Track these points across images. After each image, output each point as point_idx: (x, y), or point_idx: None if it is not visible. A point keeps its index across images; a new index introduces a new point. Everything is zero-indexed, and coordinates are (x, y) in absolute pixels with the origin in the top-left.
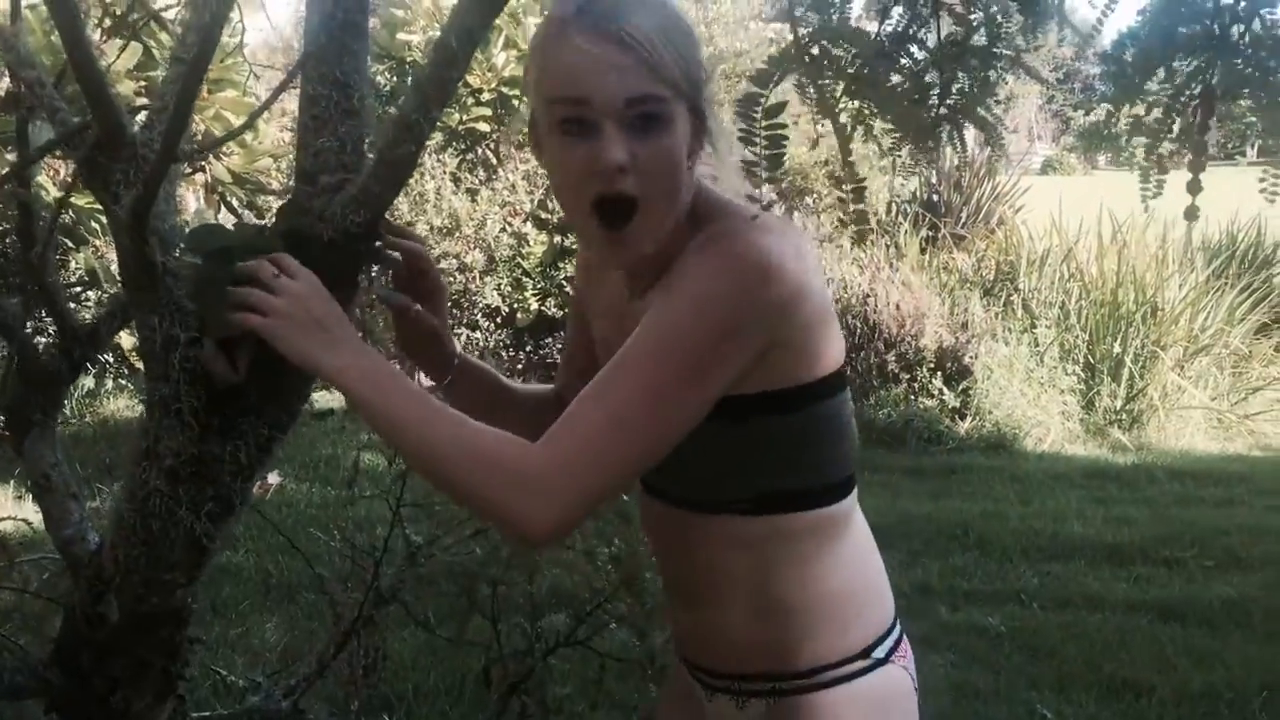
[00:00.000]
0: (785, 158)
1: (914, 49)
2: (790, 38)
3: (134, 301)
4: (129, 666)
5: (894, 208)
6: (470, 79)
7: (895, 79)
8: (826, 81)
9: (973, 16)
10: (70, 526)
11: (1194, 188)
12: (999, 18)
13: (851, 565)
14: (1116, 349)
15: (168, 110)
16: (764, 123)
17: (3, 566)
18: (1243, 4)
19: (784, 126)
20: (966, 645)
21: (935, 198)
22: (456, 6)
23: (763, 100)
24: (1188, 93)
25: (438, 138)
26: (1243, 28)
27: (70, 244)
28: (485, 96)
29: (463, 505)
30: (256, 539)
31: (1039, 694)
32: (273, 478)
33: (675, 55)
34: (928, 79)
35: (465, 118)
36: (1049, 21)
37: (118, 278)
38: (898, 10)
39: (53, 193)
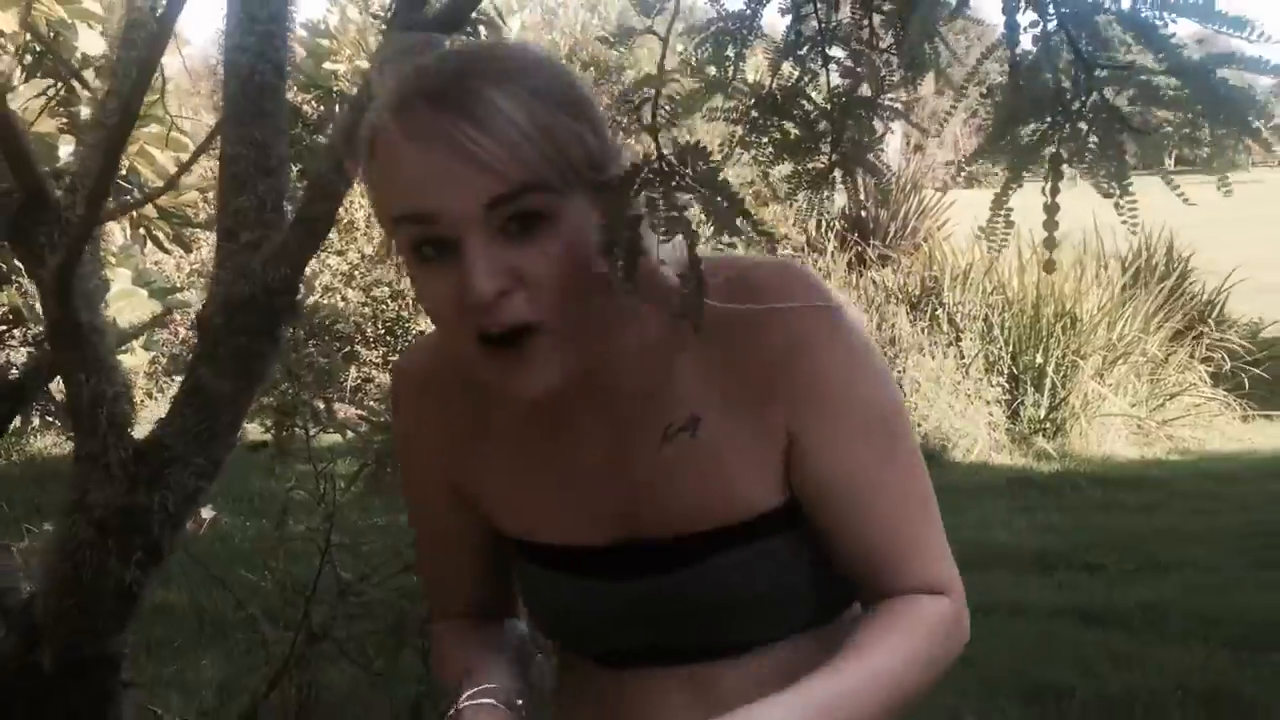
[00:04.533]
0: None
1: (804, 102)
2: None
3: (61, 360)
4: (62, 715)
5: (822, 224)
6: None
7: (789, 128)
8: (679, 196)
9: (859, 69)
10: (3, 578)
11: (1049, 244)
12: (882, 71)
13: None
14: (1039, 359)
15: (88, 175)
16: (625, 234)
17: None
18: (1083, 79)
19: (642, 241)
20: None
21: (864, 214)
22: (372, 63)
23: (623, 206)
24: (1041, 154)
25: None
26: (1084, 99)
27: None
28: None
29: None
30: (190, 574)
31: (964, 700)
32: (206, 512)
33: (552, 128)
34: (819, 128)
35: None
36: (925, 75)
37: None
38: (787, 65)
39: None
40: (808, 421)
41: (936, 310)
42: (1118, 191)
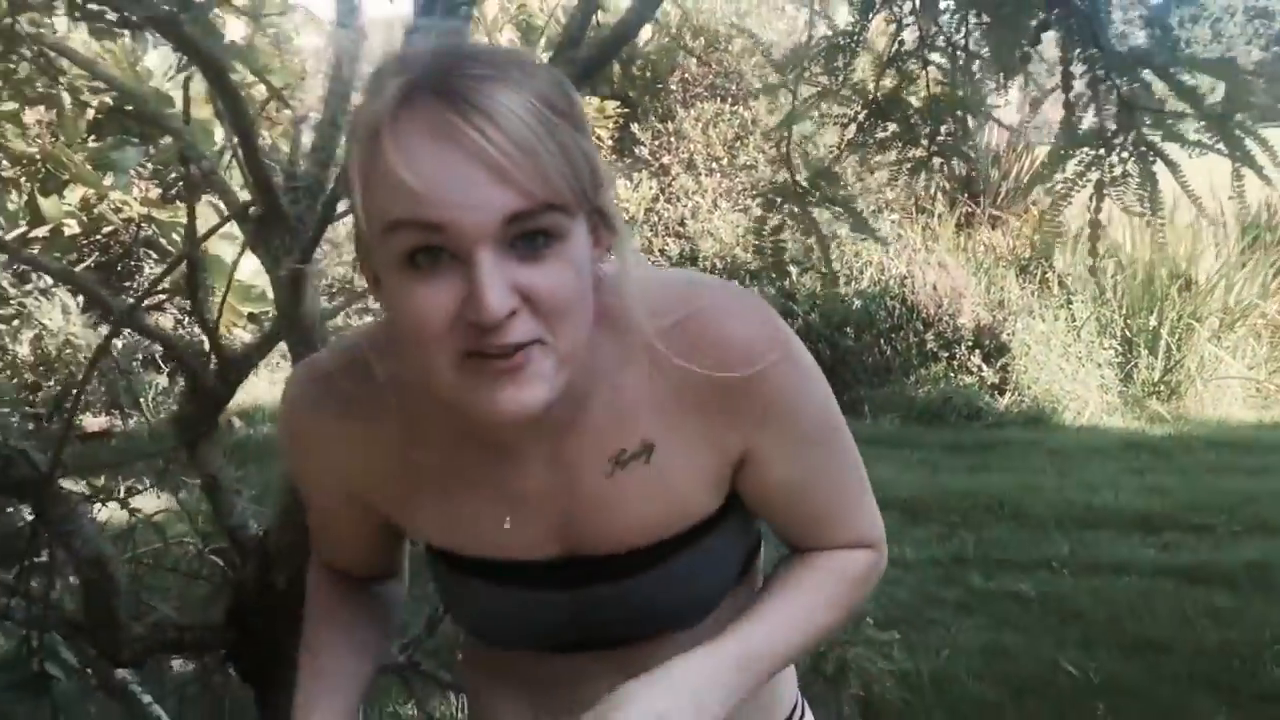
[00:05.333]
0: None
1: (905, 105)
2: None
3: (289, 341)
4: (288, 624)
5: (931, 184)
6: None
7: (892, 127)
8: (812, 202)
9: (957, 74)
10: (235, 517)
11: (1093, 254)
12: (977, 75)
13: None
14: (1153, 322)
15: (316, 193)
16: (770, 239)
17: (159, 548)
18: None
19: (784, 242)
20: (998, 610)
21: (974, 174)
22: None
23: (769, 221)
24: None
25: None
26: (1125, 135)
27: (155, 255)
28: None
29: None
30: None
31: (1064, 652)
32: None
33: (566, 140)
34: (918, 127)
35: None
36: (1015, 77)
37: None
38: (890, 71)
39: (137, 209)
40: (764, 439)
41: (1046, 273)
42: (1149, 212)
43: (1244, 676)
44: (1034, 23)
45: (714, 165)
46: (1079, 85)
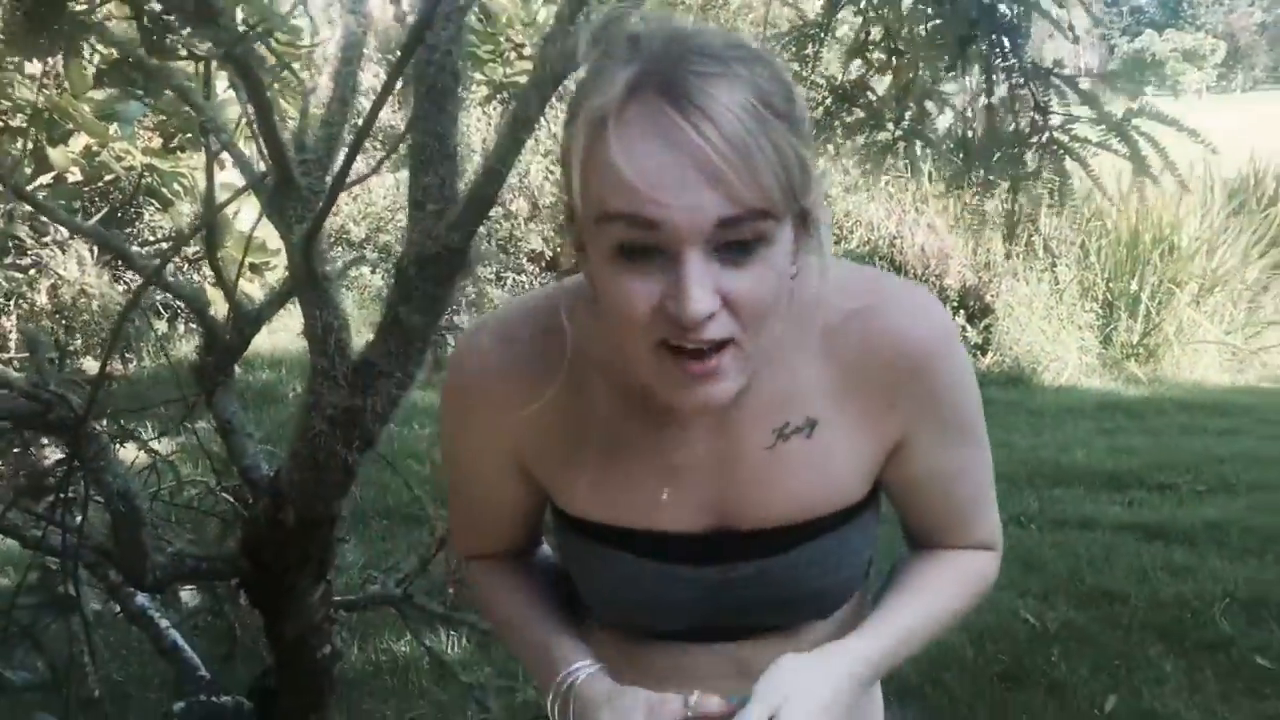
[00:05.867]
0: None
1: (870, 92)
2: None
3: (302, 299)
4: (297, 556)
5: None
6: (513, 35)
7: (858, 113)
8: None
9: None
10: (249, 458)
11: (1009, 238)
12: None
13: None
14: (1133, 286)
15: (326, 164)
16: None
17: (173, 486)
18: None
19: None
20: None
21: (969, 134)
22: (523, 88)
23: None
24: None
25: (483, 90)
26: (1039, 137)
27: (156, 204)
28: (527, 51)
29: None
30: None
31: (1024, 602)
32: None
33: (781, 143)
34: (883, 113)
35: (509, 72)
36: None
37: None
38: (855, 63)
39: (139, 158)
40: (922, 431)
41: (1032, 236)
42: (1059, 204)
43: (1193, 627)
44: (961, 35)
45: None
46: (1000, 91)
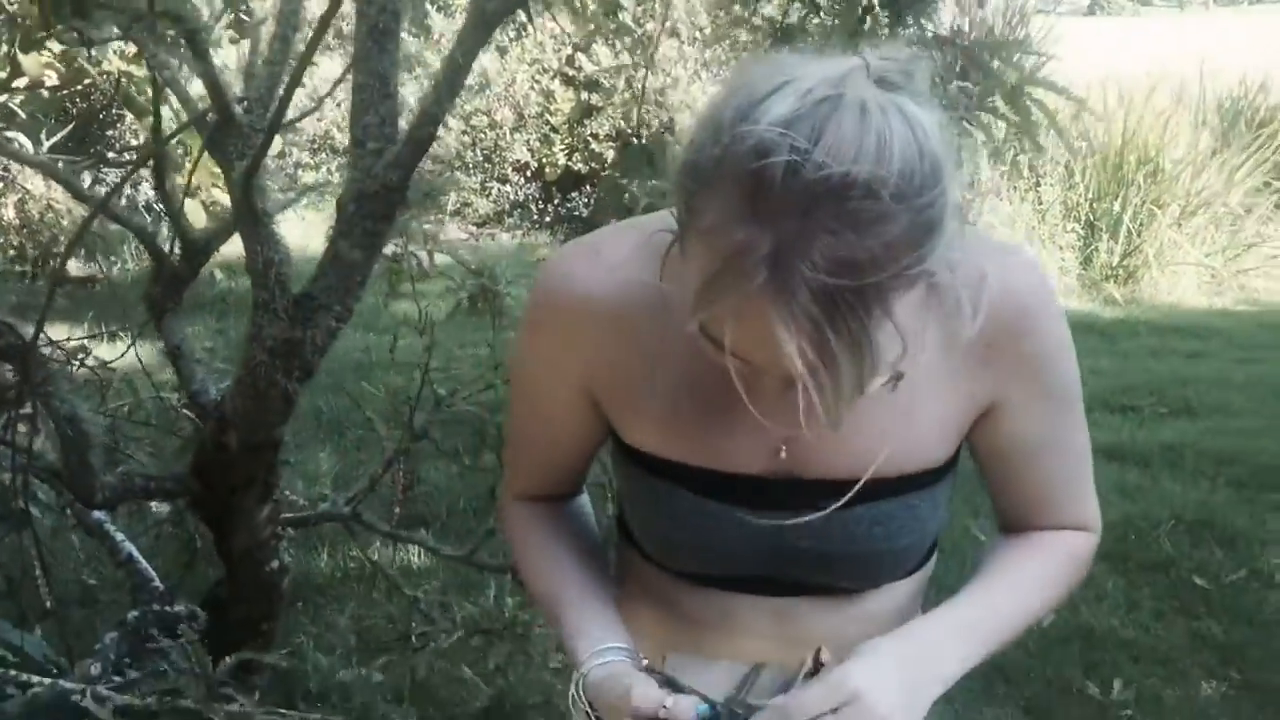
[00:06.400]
0: None
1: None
2: None
3: (243, 234)
4: (244, 477)
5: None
6: None
7: None
8: None
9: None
10: (196, 383)
11: None
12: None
13: None
14: (1116, 207)
15: (267, 102)
16: None
17: (134, 403)
18: None
19: None
20: None
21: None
22: (460, 33)
23: None
24: None
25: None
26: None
27: (132, 115)
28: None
29: None
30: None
31: (975, 520)
32: None
33: (860, 346)
34: None
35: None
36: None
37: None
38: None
39: (117, 64)
40: (1015, 393)
41: (1018, 156)
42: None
43: (1137, 547)
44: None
45: (696, 35)
46: None
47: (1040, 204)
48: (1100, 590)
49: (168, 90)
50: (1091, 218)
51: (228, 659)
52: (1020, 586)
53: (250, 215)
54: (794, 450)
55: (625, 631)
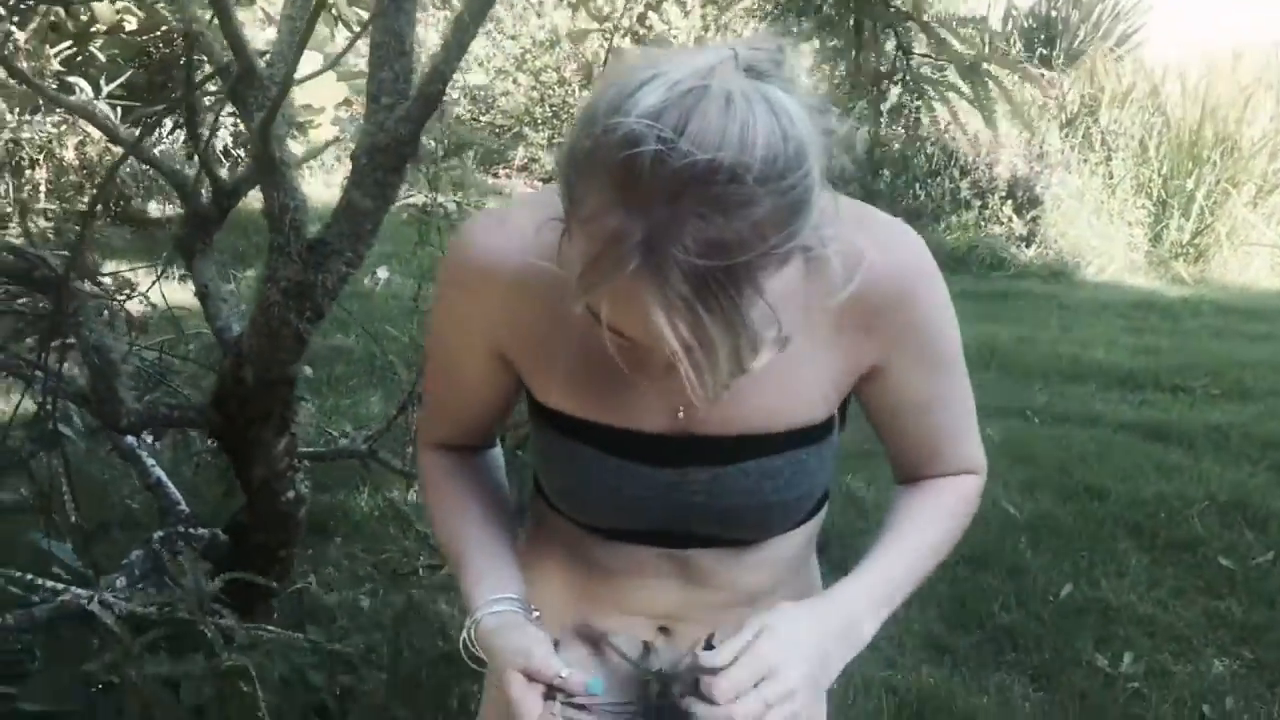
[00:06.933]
0: None
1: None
2: None
3: (261, 182)
4: (260, 411)
5: (1009, 21)
6: None
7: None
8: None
9: None
10: (221, 320)
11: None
12: None
13: None
14: (1189, 184)
15: (283, 55)
16: None
17: (174, 339)
18: None
19: None
20: None
21: (1054, 13)
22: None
23: None
24: None
25: None
26: (903, 74)
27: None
28: None
29: None
30: (366, 325)
31: (1007, 492)
32: (381, 272)
33: (732, 321)
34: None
35: None
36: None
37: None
38: None
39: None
40: (898, 358)
41: (1090, 128)
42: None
43: (1167, 526)
44: None
45: None
46: (867, 33)
47: (1111, 178)
48: (1122, 566)
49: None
50: (1164, 194)
51: (218, 579)
52: (924, 540)
53: (268, 163)
54: (690, 411)
55: (521, 583)
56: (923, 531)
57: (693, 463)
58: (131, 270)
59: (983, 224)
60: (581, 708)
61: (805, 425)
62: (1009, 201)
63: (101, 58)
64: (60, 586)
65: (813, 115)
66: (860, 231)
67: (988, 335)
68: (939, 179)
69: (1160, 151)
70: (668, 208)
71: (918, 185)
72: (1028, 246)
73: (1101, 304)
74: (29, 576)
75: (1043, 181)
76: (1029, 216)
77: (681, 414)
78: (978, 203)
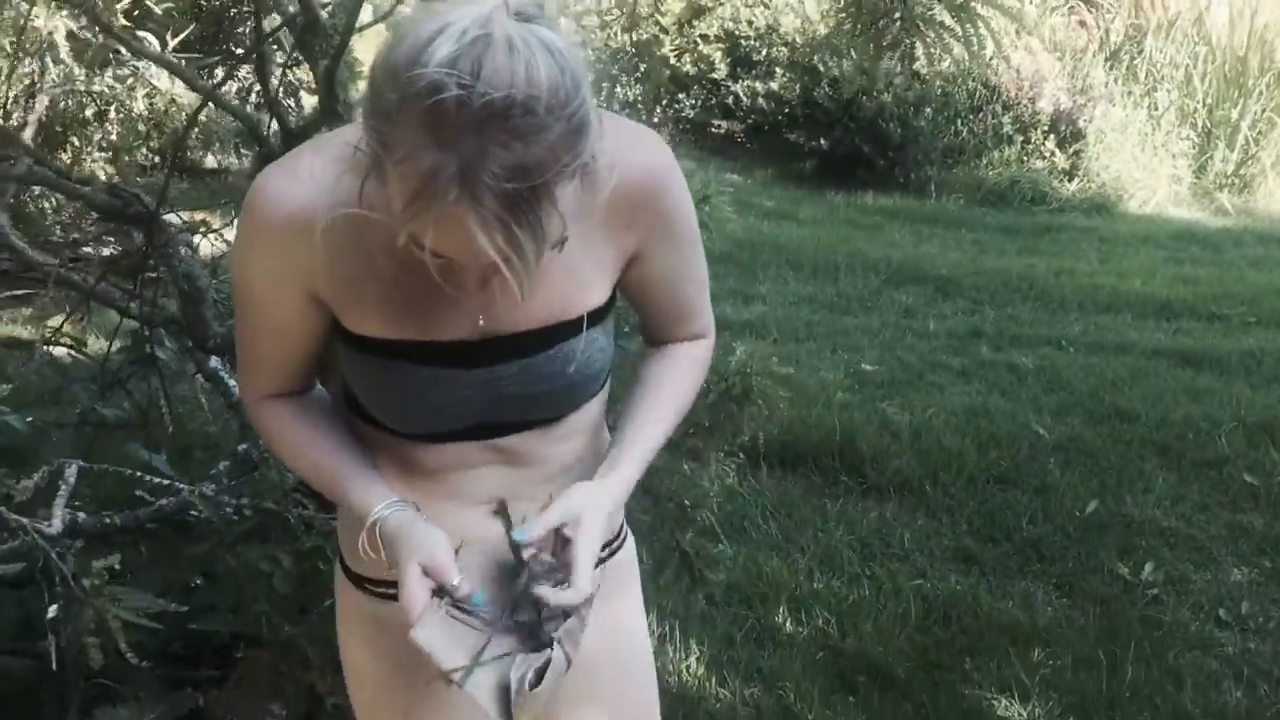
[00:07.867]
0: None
1: None
2: None
3: (326, 123)
4: None
5: None
6: None
7: None
8: None
9: None
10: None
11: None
12: None
13: None
14: (1235, 115)
15: (345, 6)
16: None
17: None
18: None
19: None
20: (994, 377)
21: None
22: None
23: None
24: None
25: None
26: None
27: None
28: None
29: None
30: None
31: (1039, 416)
32: None
33: (535, 226)
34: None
35: None
36: None
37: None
38: None
39: None
40: (654, 242)
41: (1135, 60)
42: (910, 74)
43: (1194, 446)
44: None
45: None
46: None
47: (1155, 110)
48: (1149, 484)
49: None
50: (1208, 124)
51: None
52: (674, 408)
53: (332, 106)
54: (490, 315)
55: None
56: (672, 400)
57: (500, 360)
58: (194, 215)
59: (1025, 159)
60: (462, 610)
61: (593, 309)
62: (1051, 136)
63: (158, 11)
64: (164, 484)
65: (578, 50)
66: (613, 139)
67: (1025, 268)
68: (981, 115)
69: (1205, 81)
70: (475, 142)
71: (959, 121)
72: (1070, 181)
73: (1142, 236)
74: (138, 474)
75: (1086, 115)
76: (1071, 150)
77: (483, 320)
78: (1020, 138)
